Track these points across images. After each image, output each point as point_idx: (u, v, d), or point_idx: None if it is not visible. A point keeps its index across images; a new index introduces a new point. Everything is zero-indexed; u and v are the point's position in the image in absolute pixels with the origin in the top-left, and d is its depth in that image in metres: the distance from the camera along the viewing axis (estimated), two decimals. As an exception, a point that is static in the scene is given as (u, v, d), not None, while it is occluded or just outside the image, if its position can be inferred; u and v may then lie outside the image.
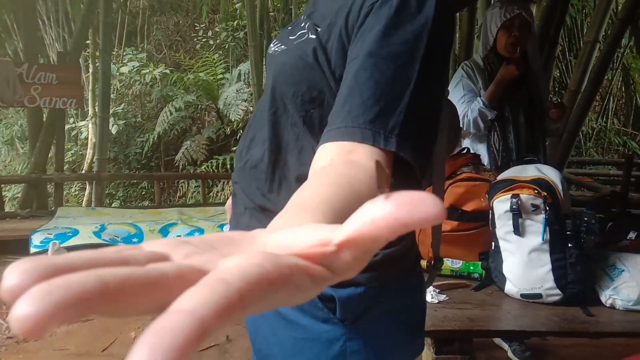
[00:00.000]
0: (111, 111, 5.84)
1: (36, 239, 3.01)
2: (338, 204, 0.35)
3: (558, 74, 7.48)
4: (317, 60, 0.62)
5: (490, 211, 1.48)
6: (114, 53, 7.22)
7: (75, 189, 7.08)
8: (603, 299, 1.36)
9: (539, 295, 1.36)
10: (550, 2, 3.44)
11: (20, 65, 3.85)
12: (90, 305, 0.15)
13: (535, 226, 1.37)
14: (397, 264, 0.68)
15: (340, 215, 0.34)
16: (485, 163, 2.02)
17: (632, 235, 1.56)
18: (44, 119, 4.31)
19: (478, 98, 2.05)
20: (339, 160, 0.49)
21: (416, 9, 0.55)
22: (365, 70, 0.54)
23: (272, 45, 0.74)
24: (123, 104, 7.61)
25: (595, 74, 3.70)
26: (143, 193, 7.05)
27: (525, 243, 1.38)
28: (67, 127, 6.06)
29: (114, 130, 6.79)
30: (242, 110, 6.72)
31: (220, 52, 7.95)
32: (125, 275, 0.16)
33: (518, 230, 1.38)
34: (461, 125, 2.06)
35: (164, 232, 3.31)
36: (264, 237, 0.24)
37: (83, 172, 6.52)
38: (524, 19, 2.01)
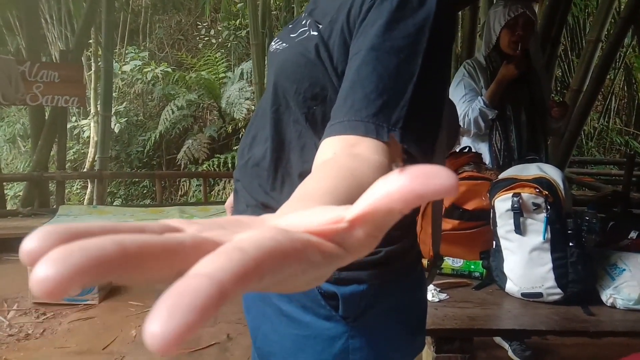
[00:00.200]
0: (113, 110, 5.84)
1: (38, 237, 3.01)
2: (342, 196, 0.35)
3: (560, 73, 7.46)
4: (319, 57, 0.62)
5: (492, 210, 1.48)
6: (116, 51, 7.23)
7: (77, 188, 7.10)
8: (604, 298, 1.36)
9: (540, 295, 1.36)
10: (552, 1, 3.43)
11: (23, 64, 3.85)
12: (109, 268, 0.15)
13: (537, 225, 1.37)
14: (399, 261, 0.68)
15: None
16: (487, 162, 2.02)
17: (633, 234, 1.56)
18: (46, 117, 4.33)
19: (479, 97, 2.05)
20: (342, 153, 0.49)
21: (417, 3, 0.55)
22: (367, 65, 0.54)
23: (273, 43, 0.74)
24: (125, 103, 7.61)
25: (597, 74, 3.69)
26: (144, 191, 7.06)
27: (526, 242, 1.38)
28: (69, 125, 6.07)
29: (115, 128, 6.80)
30: (246, 108, 6.73)
31: (222, 50, 7.95)
32: (144, 241, 0.16)
33: (519, 229, 1.38)
34: (462, 125, 2.06)
35: (165, 230, 3.31)
36: (274, 220, 0.24)
37: (85, 170, 6.53)
38: (528, 17, 2.01)
